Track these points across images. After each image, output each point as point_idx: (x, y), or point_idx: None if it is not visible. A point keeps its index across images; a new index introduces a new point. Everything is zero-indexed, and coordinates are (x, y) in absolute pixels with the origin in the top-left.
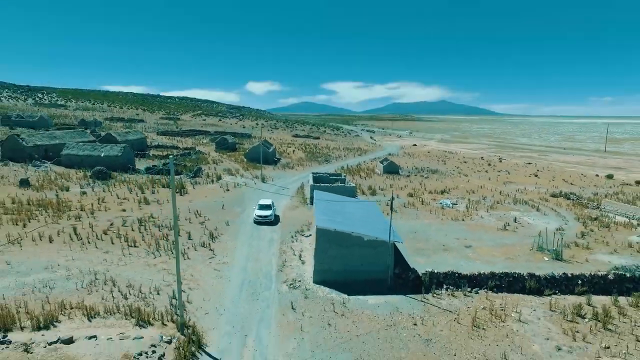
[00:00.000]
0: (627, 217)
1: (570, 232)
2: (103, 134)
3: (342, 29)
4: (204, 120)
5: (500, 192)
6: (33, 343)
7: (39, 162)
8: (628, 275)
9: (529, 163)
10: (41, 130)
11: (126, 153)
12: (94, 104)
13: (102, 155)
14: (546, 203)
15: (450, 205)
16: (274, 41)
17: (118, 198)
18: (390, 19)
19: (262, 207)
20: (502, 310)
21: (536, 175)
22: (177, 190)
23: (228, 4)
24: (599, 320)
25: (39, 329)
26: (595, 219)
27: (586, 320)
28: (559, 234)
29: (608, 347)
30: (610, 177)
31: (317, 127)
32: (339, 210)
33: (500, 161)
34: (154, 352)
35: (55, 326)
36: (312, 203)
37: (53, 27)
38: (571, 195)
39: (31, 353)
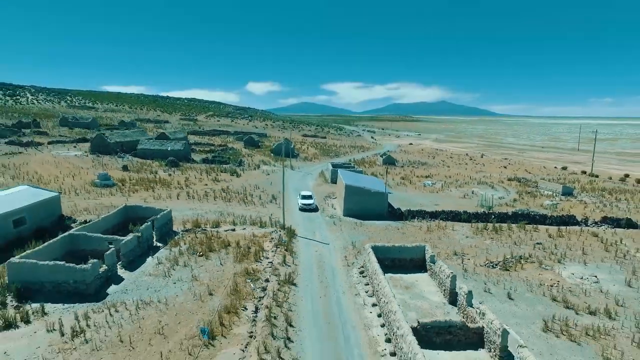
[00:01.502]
0: (552, 191)
1: (507, 199)
2: (154, 134)
3: (342, 29)
4: (218, 121)
5: (470, 177)
6: (216, 230)
7: (122, 155)
8: (520, 212)
9: (505, 158)
10: (94, 130)
11: (186, 147)
12: (117, 105)
13: (168, 149)
14: (501, 184)
15: (431, 184)
16: (274, 41)
17: (195, 178)
18: (390, 19)
19: (305, 197)
20: (444, 226)
21: (505, 167)
22: (233, 174)
23: (228, 4)
24: (494, 231)
25: (213, 227)
26: (529, 192)
27: (488, 230)
28: (496, 198)
29: (492, 238)
30: (564, 168)
31: (321, 128)
32: (356, 178)
33: (482, 157)
34: (276, 232)
35: (220, 227)
36: (332, 182)
37: (53, 27)
38: (521, 179)
39: (218, 232)
